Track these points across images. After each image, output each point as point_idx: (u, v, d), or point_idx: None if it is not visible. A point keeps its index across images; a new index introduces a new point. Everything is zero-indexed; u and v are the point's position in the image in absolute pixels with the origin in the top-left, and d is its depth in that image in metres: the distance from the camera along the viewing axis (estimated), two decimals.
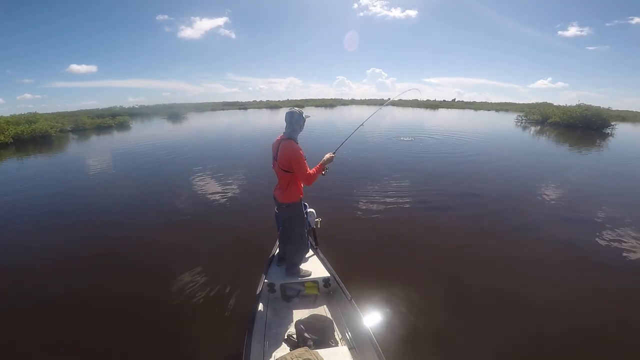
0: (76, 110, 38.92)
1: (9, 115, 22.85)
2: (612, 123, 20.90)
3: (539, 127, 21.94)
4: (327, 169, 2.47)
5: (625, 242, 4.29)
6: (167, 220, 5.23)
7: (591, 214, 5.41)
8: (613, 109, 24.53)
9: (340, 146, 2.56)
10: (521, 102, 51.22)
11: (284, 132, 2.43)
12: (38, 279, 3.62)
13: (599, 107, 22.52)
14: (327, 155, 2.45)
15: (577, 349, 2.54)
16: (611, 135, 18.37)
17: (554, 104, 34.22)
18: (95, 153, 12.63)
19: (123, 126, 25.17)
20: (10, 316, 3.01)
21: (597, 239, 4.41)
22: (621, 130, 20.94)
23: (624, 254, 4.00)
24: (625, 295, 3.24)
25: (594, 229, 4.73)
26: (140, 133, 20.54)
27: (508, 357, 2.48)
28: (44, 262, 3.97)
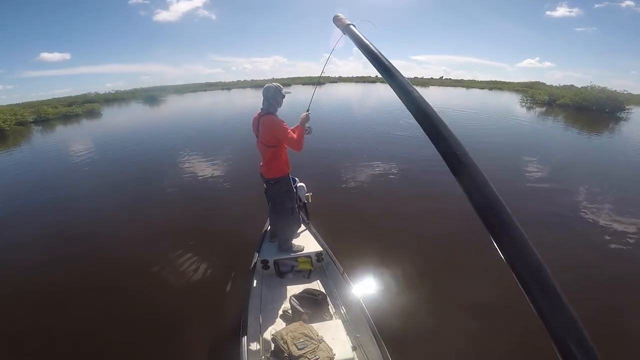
0: (50, 98, 36.26)
1: None
2: (627, 107, 19.16)
3: (544, 109, 20.62)
4: (309, 128, 2.46)
5: None
6: (152, 207, 5.01)
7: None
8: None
9: (310, 103, 2.52)
10: (512, 81, 50.39)
11: (261, 108, 2.39)
12: (20, 274, 3.41)
13: (615, 90, 21.28)
14: (303, 115, 2.43)
15: None
16: (625, 119, 16.49)
17: (546, 84, 33.53)
18: (57, 145, 11.43)
19: (92, 114, 23.39)
20: None
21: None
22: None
23: None
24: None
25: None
26: (112, 120, 19.36)
27: (499, 332, 2.47)
28: (23, 258, 3.74)
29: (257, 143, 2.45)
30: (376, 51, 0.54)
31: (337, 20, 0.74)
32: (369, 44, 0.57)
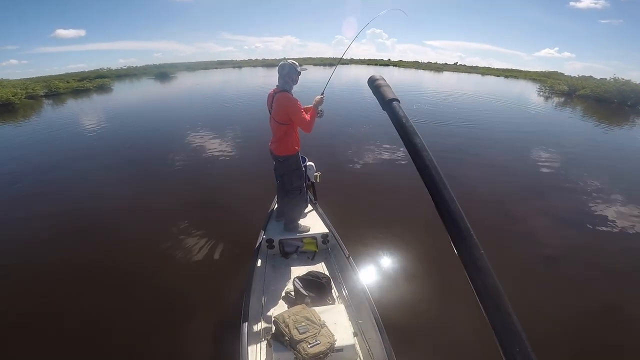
0: (63, 73, 36.53)
1: None
2: None
3: (563, 99, 19.78)
4: (321, 111, 2.41)
5: None
6: (158, 184, 4.97)
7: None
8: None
9: (325, 87, 2.46)
10: (529, 70, 47.65)
11: (277, 85, 2.35)
12: (21, 250, 3.40)
13: (639, 83, 20.65)
14: (317, 98, 2.38)
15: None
16: None
17: (564, 74, 32.29)
18: (66, 118, 11.31)
19: (103, 88, 23.39)
20: None
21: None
22: None
23: None
24: None
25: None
26: (121, 95, 19.32)
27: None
28: (26, 234, 3.69)
29: (270, 120, 2.40)
30: (416, 135, 0.43)
31: (375, 85, 0.50)
32: (407, 125, 0.43)
